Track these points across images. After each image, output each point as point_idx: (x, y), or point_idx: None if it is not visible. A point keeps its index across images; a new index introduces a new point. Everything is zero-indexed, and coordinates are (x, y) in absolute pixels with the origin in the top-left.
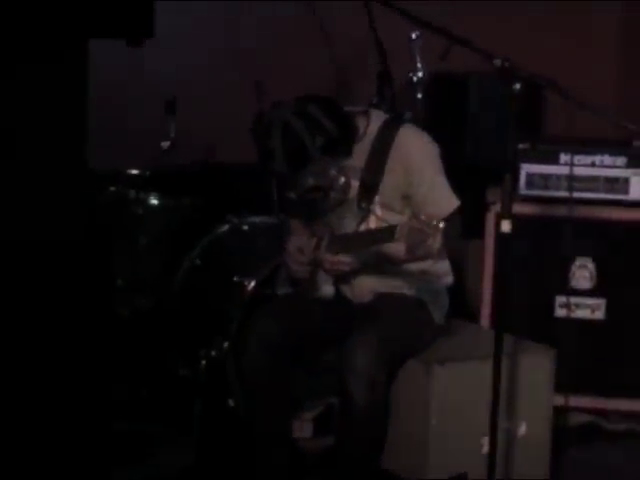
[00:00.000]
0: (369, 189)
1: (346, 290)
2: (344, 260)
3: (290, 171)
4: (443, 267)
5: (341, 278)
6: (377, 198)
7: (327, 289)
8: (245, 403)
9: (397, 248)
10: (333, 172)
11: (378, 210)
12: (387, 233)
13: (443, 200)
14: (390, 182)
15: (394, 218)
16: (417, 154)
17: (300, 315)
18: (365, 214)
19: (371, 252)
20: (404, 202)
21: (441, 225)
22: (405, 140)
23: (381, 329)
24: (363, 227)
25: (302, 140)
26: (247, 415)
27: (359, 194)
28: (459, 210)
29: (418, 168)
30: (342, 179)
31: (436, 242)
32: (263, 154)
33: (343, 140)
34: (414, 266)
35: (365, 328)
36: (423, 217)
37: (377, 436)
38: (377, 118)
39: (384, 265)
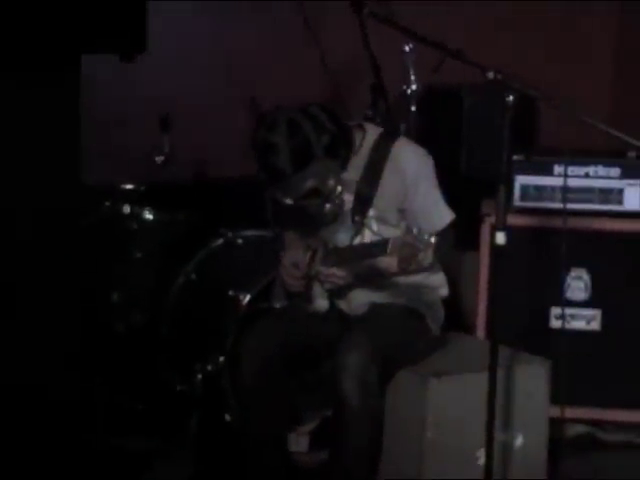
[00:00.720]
0: (363, 202)
1: (341, 303)
2: (338, 274)
3: (292, 168)
4: (438, 279)
5: (336, 292)
6: (371, 212)
7: (321, 303)
8: (240, 417)
9: (389, 262)
10: (331, 181)
11: (373, 224)
12: (380, 247)
13: (437, 214)
14: (385, 195)
15: (389, 232)
16: (412, 167)
17: (295, 329)
18: (359, 228)
19: (364, 265)
20: (399, 215)
21: (433, 240)
22: (400, 153)
23: (374, 331)
24: (357, 241)
25: (308, 137)
26: (243, 429)
27: (353, 207)
28: (452, 224)
29: (413, 182)
30: (338, 189)
31: (428, 256)
32: (265, 150)
33: (344, 146)
34: (409, 278)
35: (358, 330)
36: (415, 231)
37: (371, 437)
38: (372, 131)
39: (379, 278)
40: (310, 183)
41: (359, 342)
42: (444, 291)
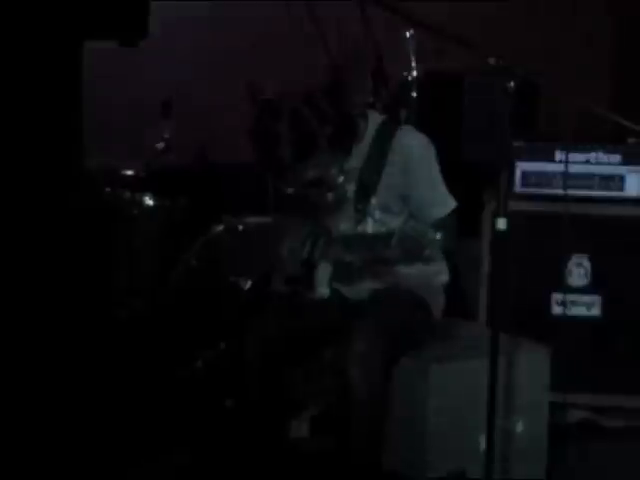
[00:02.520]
0: (366, 190)
1: (343, 288)
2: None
3: (294, 158)
4: (439, 266)
5: (341, 278)
6: (374, 199)
7: (322, 290)
8: (241, 400)
9: (392, 253)
10: (334, 171)
11: (375, 212)
12: (383, 240)
13: (440, 201)
14: (388, 183)
15: (392, 220)
16: (415, 155)
17: (296, 315)
18: (361, 216)
19: (368, 255)
20: (402, 203)
21: (437, 237)
22: (403, 140)
23: (378, 319)
24: (360, 229)
25: (311, 127)
26: (243, 412)
27: (356, 196)
28: (455, 211)
29: (416, 168)
30: (341, 178)
31: (433, 252)
32: (267, 140)
33: (347, 135)
34: (411, 266)
35: (363, 318)
36: (420, 226)
37: (376, 423)
38: (374, 119)
39: (381, 266)
40: (312, 173)
41: (365, 330)
42: (445, 277)
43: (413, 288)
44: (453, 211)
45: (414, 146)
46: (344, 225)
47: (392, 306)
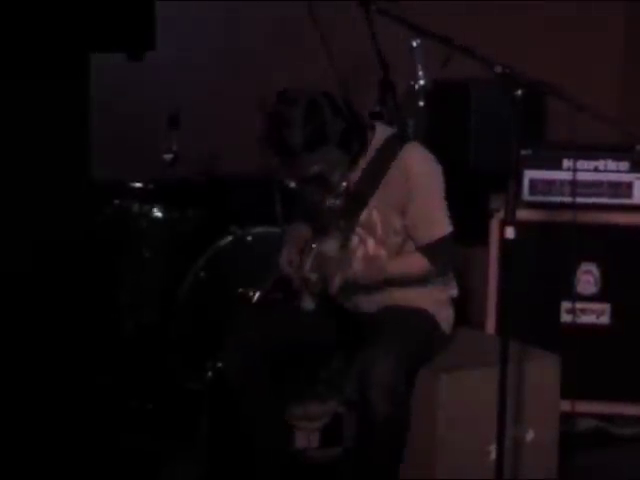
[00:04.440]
0: (356, 204)
1: (350, 302)
2: (312, 279)
3: (303, 146)
4: (447, 280)
5: (344, 292)
6: (375, 213)
7: (307, 303)
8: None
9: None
10: (338, 174)
11: (361, 230)
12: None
13: (435, 224)
14: (387, 198)
15: (394, 238)
16: (418, 171)
17: (281, 322)
18: (346, 234)
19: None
20: (402, 217)
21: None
22: (408, 156)
23: (397, 340)
24: (345, 248)
25: (325, 119)
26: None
27: (344, 209)
28: (452, 237)
29: (417, 185)
30: (343, 185)
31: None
32: (280, 123)
33: (357, 141)
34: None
35: (381, 341)
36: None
37: (397, 448)
38: (382, 132)
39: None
40: (317, 167)
41: (385, 353)
42: (453, 292)
43: (422, 303)
44: (450, 237)
45: (415, 164)
46: (329, 243)
47: (405, 326)
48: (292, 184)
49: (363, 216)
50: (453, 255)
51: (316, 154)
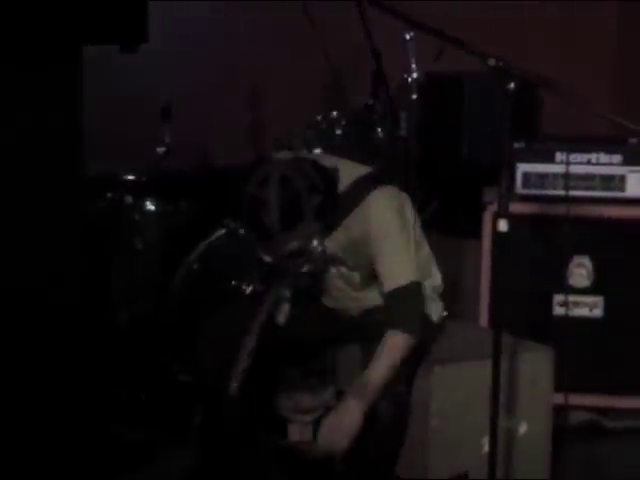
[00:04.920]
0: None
1: (335, 309)
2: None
3: (280, 227)
4: (426, 274)
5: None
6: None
7: (279, 318)
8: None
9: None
10: (315, 242)
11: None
12: None
13: (397, 272)
14: (343, 237)
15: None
16: (381, 221)
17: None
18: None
19: None
20: (369, 263)
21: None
22: (373, 204)
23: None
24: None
25: (299, 196)
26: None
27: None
28: (417, 286)
29: (378, 235)
30: (320, 249)
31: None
32: (254, 206)
33: (332, 208)
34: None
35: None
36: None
37: (396, 445)
38: (349, 175)
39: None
40: (295, 245)
41: None
42: (437, 283)
43: None
44: (414, 287)
45: (376, 217)
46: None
47: None
48: (269, 258)
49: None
50: (418, 304)
51: (293, 231)
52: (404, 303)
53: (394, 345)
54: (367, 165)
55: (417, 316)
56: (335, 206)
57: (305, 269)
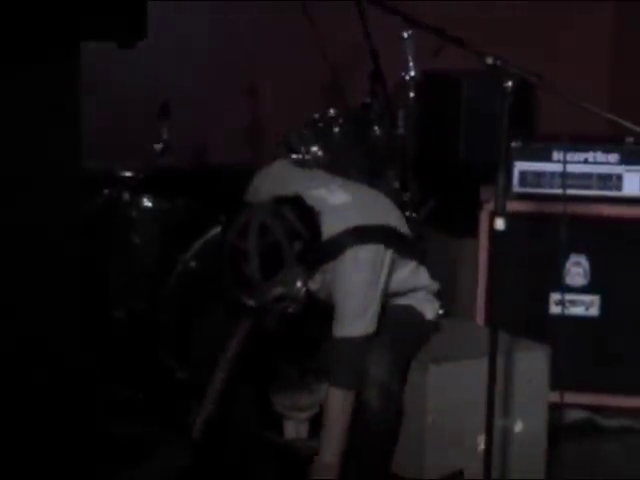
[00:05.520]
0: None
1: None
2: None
3: (261, 276)
4: (423, 279)
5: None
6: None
7: (269, 325)
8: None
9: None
10: (298, 285)
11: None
12: None
13: (349, 323)
14: (320, 279)
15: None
16: (346, 281)
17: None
18: None
19: None
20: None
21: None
22: (347, 261)
23: (390, 340)
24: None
25: (279, 244)
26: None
27: None
28: (361, 344)
29: (341, 291)
30: (303, 291)
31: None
32: (234, 256)
33: (314, 251)
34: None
35: (375, 342)
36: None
37: (391, 442)
38: (332, 227)
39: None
40: (277, 290)
41: (378, 351)
42: (434, 286)
43: (404, 300)
44: (359, 342)
45: (346, 274)
46: None
47: (391, 319)
48: (252, 303)
49: None
50: (359, 359)
51: (274, 279)
52: (346, 357)
53: (334, 405)
54: (364, 164)
55: (355, 372)
56: (318, 250)
57: (290, 310)
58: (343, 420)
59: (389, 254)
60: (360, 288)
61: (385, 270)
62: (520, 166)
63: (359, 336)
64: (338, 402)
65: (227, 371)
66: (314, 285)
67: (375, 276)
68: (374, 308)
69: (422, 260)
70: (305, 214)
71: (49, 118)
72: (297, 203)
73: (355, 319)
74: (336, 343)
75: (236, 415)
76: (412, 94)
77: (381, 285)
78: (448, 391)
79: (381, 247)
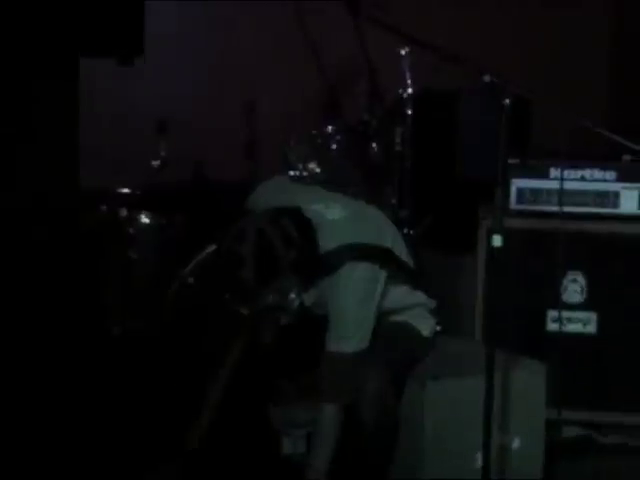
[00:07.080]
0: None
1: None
2: None
3: (256, 282)
4: (419, 297)
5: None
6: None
7: (265, 337)
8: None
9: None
10: (292, 295)
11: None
12: None
13: (343, 338)
14: (315, 294)
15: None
16: (340, 298)
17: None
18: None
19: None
20: None
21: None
22: (342, 277)
23: (383, 353)
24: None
25: (275, 251)
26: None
27: None
28: (354, 360)
29: (335, 308)
30: (297, 303)
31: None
32: (231, 261)
33: (310, 262)
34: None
35: (370, 358)
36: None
37: (386, 457)
38: (328, 242)
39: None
40: (271, 298)
41: (375, 371)
42: (431, 304)
43: (400, 317)
44: (351, 358)
45: (340, 292)
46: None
47: (391, 339)
48: (245, 310)
49: None
50: (351, 375)
51: (269, 286)
52: (337, 371)
53: (326, 420)
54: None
55: (346, 387)
56: (314, 262)
57: (282, 322)
58: (334, 434)
59: (384, 274)
60: (354, 305)
61: (379, 289)
62: (517, 183)
63: (351, 352)
64: (330, 417)
65: (223, 385)
66: (309, 299)
67: (369, 294)
68: (367, 324)
69: (416, 285)
70: (303, 225)
71: (47, 133)
72: (296, 214)
73: (348, 335)
74: (328, 357)
75: (233, 430)
76: (410, 111)
77: (375, 302)
78: (446, 408)
79: (376, 266)
